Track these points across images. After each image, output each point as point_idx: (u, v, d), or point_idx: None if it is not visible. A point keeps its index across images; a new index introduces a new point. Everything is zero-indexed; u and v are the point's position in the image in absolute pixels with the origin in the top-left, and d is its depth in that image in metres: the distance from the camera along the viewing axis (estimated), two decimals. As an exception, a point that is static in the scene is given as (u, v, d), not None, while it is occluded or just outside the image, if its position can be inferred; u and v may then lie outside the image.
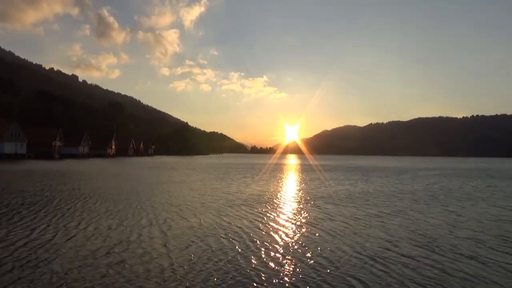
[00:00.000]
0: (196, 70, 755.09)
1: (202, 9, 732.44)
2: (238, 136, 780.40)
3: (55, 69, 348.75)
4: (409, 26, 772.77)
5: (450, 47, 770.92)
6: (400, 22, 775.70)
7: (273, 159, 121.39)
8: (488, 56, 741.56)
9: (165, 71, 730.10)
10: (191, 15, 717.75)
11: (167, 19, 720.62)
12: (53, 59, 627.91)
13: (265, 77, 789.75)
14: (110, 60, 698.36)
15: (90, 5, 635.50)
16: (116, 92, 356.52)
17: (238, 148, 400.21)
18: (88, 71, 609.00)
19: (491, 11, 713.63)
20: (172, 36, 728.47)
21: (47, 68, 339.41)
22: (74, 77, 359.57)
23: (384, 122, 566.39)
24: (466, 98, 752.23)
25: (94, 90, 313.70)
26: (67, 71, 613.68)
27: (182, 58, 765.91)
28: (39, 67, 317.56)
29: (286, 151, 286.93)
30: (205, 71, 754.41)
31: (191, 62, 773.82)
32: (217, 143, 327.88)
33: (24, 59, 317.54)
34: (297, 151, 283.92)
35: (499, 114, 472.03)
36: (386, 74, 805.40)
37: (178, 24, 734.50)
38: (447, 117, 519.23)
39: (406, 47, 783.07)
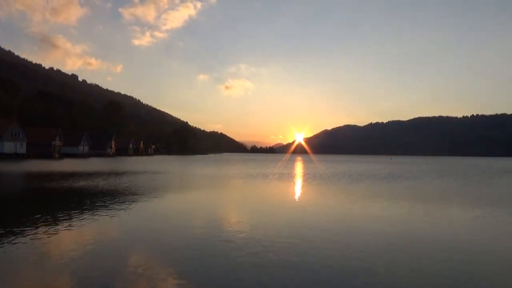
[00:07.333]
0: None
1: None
2: (237, 136, 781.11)
3: (55, 69, 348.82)
4: (408, 26, 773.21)
5: (450, 46, 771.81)
6: (400, 22, 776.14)
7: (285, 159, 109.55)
8: (488, 56, 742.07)
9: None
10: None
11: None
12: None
13: (265, 77, 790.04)
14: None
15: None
16: (116, 91, 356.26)
17: (238, 147, 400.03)
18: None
19: (490, 11, 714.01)
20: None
21: (47, 68, 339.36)
22: (74, 77, 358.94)
23: (384, 122, 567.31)
24: (466, 98, 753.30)
25: (94, 90, 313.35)
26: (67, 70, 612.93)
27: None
28: (39, 67, 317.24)
29: (295, 151, 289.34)
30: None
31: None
32: (217, 143, 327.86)
33: (24, 59, 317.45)
34: (301, 151, 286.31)
35: (499, 113, 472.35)
36: (386, 73, 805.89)
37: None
38: (447, 117, 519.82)
39: (406, 47, 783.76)
